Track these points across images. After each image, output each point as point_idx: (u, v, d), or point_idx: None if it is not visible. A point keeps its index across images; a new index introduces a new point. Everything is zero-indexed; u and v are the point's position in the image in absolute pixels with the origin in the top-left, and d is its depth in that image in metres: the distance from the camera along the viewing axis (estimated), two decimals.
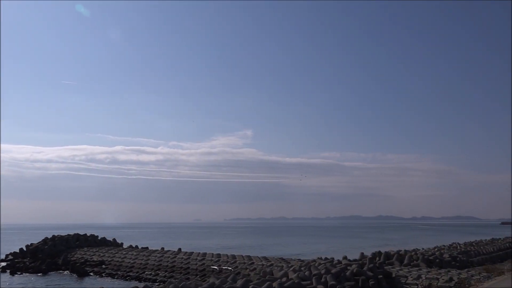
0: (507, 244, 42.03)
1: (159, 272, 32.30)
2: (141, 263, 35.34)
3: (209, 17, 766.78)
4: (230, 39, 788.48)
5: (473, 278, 19.32)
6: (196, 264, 32.39)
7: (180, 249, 42.06)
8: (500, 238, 53.10)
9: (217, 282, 18.28)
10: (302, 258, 33.41)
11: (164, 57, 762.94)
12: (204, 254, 36.83)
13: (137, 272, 33.63)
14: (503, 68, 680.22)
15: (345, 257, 28.21)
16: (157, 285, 29.25)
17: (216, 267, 30.63)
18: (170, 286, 18.96)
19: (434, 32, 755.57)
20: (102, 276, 34.74)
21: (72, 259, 40.89)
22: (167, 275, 31.11)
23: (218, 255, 35.65)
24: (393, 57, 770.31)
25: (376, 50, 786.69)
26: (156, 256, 37.07)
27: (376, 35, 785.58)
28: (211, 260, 33.19)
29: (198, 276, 29.15)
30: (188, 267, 31.95)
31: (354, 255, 33.63)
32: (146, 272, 33.12)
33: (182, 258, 35.10)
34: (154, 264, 34.32)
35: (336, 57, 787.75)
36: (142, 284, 29.82)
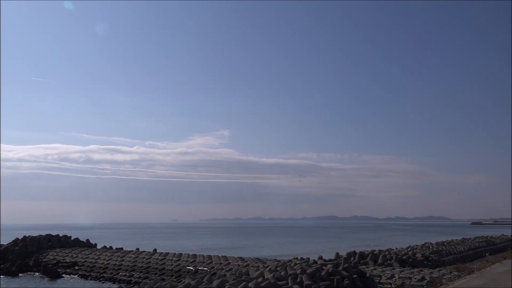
0: (477, 244, 43.15)
1: (134, 273, 31.87)
2: (115, 264, 34.80)
3: (188, 16, 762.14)
4: (210, 39, 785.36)
5: (444, 277, 19.76)
6: (171, 264, 32.10)
7: (155, 249, 41.62)
8: (470, 238, 54.44)
9: (192, 282, 18.16)
10: (278, 258, 33.51)
11: (141, 56, 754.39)
12: (180, 254, 36.54)
13: (111, 273, 33.11)
14: (477, 69, 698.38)
15: (320, 257, 28.42)
16: (132, 286, 28.92)
17: (192, 268, 30.42)
18: (145, 287, 18.74)
19: (419, 31, 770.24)
20: (75, 278, 34.08)
21: (43, 260, 39.93)
22: (142, 276, 30.74)
23: (194, 256, 35.44)
24: (369, 60, 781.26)
25: (354, 52, 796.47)
26: (130, 257, 36.57)
27: (356, 36, 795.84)
28: (187, 260, 32.94)
29: (173, 277, 28.89)
30: (164, 268, 31.64)
31: (329, 255, 33.92)
32: (120, 273, 32.62)
33: (157, 258, 34.74)
34: (128, 265, 33.85)
35: (314, 59, 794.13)
36: (116, 285, 29.45)
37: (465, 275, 17.42)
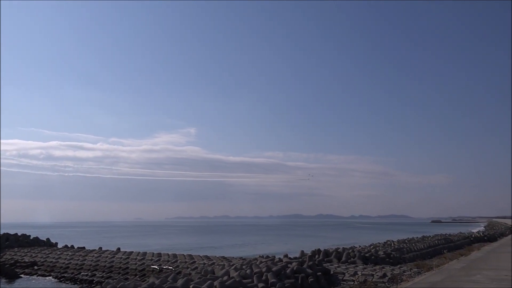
0: (436, 241, 44.62)
1: (96, 273, 31.13)
2: (76, 264, 33.89)
3: (151, 12, 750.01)
4: (176, 34, 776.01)
5: (405, 273, 20.33)
6: (135, 264, 31.57)
7: (119, 248, 40.87)
8: (430, 236, 56.24)
9: (157, 282, 17.92)
10: (244, 257, 33.56)
11: (105, 50, 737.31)
12: (144, 253, 36.01)
13: (72, 273, 32.21)
14: (440, 72, 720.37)
15: (286, 255, 28.63)
16: (94, 286, 28.24)
17: (156, 267, 30.02)
18: (108, 287, 18.35)
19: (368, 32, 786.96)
20: (34, 278, 32.96)
21: (0, 260, 38.43)
22: (105, 275, 30.06)
23: (159, 255, 35.00)
24: (337, 58, 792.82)
25: (324, 50, 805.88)
26: (93, 256, 35.73)
27: (319, 36, 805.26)
28: (151, 259, 32.50)
29: (137, 276, 28.42)
30: (127, 267, 31.07)
31: (294, 253, 34.25)
32: (82, 273, 31.78)
33: (120, 258, 34.09)
34: (90, 265, 33.03)
35: (284, 57, 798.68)
36: (77, 286, 28.70)
37: (424, 272, 17.99)
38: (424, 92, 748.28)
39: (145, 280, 24.00)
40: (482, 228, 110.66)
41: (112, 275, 29.85)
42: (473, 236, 59.05)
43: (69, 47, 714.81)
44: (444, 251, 39.34)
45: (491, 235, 60.41)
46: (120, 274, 29.47)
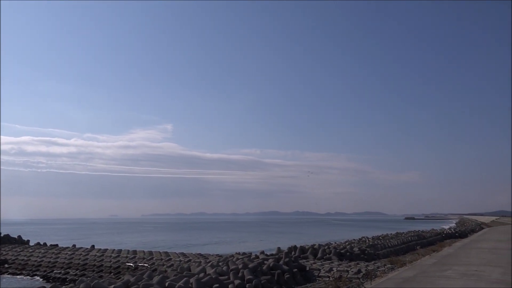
0: (409, 238, 45.55)
1: (70, 271, 30.59)
2: (49, 262, 33.22)
3: (128, 9, 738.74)
4: (154, 29, 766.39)
5: (379, 269, 20.69)
6: (110, 261, 31.16)
7: (93, 246, 40.27)
8: (403, 232, 57.38)
9: (132, 279, 17.73)
10: (220, 254, 33.53)
11: (81, 44, 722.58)
12: (120, 250, 35.59)
13: (45, 271, 31.56)
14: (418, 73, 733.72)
15: (262, 252, 28.74)
16: (67, 284, 27.73)
17: (131, 264, 29.71)
18: (81, 285, 18.04)
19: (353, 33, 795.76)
20: (4, 277, 32.13)
21: None
22: (78, 273, 29.57)
23: (134, 252, 34.64)
24: (316, 57, 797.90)
25: (294, 49, 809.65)
26: (66, 253, 35.10)
27: (302, 35, 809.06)
28: (127, 257, 32.14)
29: (112, 274, 28.05)
30: (102, 265, 30.65)
31: (271, 250, 34.44)
32: (55, 271, 31.17)
33: (95, 255, 33.60)
34: (64, 262, 32.45)
35: (260, 55, 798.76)
36: (50, 284, 28.13)
37: (398, 268, 18.34)
38: (397, 93, 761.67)
39: (120, 277, 23.72)
40: (453, 225, 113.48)
41: (86, 273, 29.38)
42: (444, 232, 60.58)
43: (42, 39, 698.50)
44: (417, 247, 40.19)
45: (462, 232, 62.09)
46: (95, 272, 29.04)
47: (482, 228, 75.02)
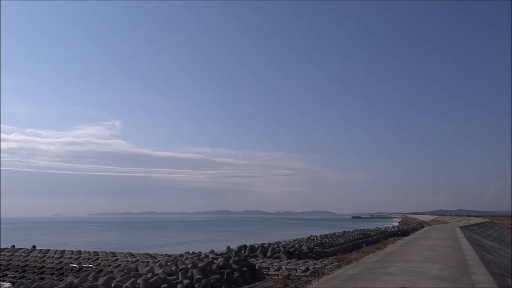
0: (355, 236, 47.00)
1: (8, 273, 29.02)
2: None
3: (81, 4, 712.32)
4: (107, 26, 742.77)
5: (326, 267, 21.23)
6: (52, 262, 29.89)
7: (34, 246, 38.46)
8: (350, 231, 59.12)
9: (76, 280, 17.10)
10: (169, 253, 33.06)
11: (25, 34, 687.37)
12: (63, 251, 34.24)
13: None
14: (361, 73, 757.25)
15: (212, 251, 28.67)
16: (7, 286, 26.33)
17: (75, 265, 28.64)
18: (21, 287, 17.20)
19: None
20: None
21: None
22: (18, 275, 28.13)
23: (79, 252, 33.45)
24: (265, 54, 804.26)
25: (246, 46, 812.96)
26: (5, 255, 33.28)
27: (260, 32, 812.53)
28: (70, 257, 30.97)
29: (54, 276, 26.92)
30: (43, 266, 29.32)
31: (221, 249, 34.37)
32: None
33: (36, 256, 32.10)
34: (1, 264, 30.75)
35: (212, 51, 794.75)
36: None
37: (344, 265, 18.88)
38: (351, 93, 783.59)
39: (63, 279, 22.84)
40: (396, 224, 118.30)
41: (26, 274, 28.01)
42: (388, 231, 63.03)
43: None
44: (363, 245, 41.55)
45: (404, 230, 64.90)
46: (35, 274, 27.75)
47: (423, 227, 78.64)
